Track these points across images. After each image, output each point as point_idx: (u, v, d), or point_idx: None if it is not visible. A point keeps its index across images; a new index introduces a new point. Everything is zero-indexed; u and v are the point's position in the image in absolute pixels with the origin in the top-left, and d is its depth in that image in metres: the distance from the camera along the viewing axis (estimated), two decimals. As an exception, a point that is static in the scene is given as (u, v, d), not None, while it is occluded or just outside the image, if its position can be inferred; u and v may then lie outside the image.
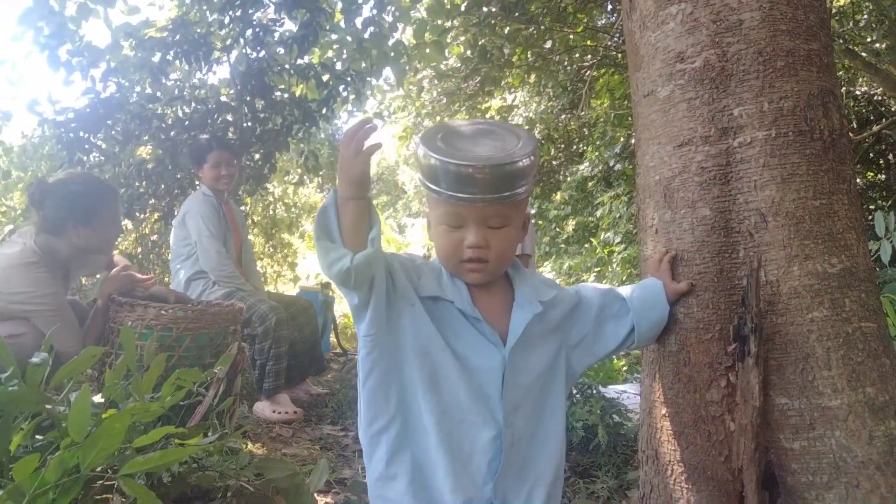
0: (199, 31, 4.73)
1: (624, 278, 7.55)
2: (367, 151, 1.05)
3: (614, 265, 8.02)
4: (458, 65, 6.37)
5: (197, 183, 4.19)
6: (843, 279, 1.22)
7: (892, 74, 4.85)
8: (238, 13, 4.63)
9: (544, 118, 8.80)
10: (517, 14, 5.17)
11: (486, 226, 1.11)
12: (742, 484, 1.22)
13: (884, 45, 5.76)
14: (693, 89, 1.33)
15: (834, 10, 6.33)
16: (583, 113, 8.20)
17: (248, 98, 4.89)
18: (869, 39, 6.15)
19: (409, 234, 9.09)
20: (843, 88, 7.13)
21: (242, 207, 5.84)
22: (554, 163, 9.95)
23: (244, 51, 4.85)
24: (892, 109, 6.94)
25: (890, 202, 7.21)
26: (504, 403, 1.12)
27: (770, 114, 1.27)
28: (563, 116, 9.02)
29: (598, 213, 8.41)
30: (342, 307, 6.87)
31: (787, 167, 1.26)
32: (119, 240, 7.05)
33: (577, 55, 7.05)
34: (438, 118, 7.52)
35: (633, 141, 7.63)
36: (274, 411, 3.19)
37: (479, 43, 5.74)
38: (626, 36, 1.51)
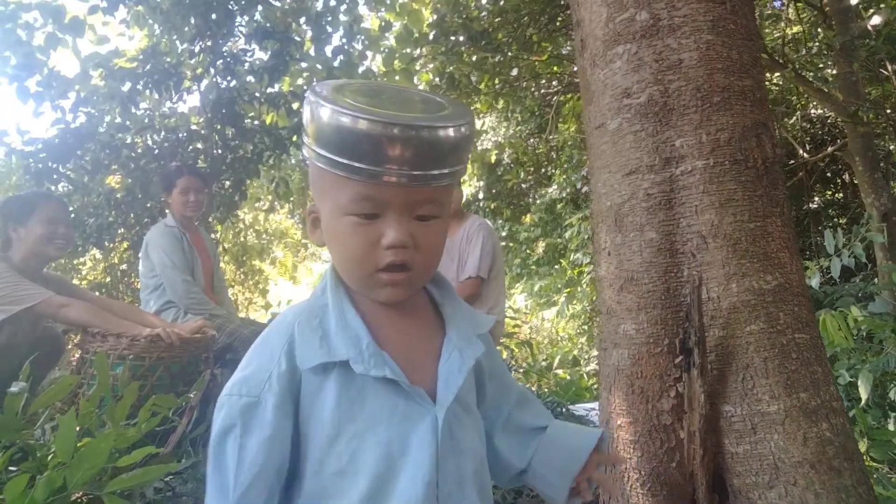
0: (169, 60, 4.79)
1: (594, 298, 7.69)
2: None
3: (584, 285, 8.17)
4: (427, 92, 6.51)
5: (167, 211, 4.22)
6: (777, 294, 1.34)
7: (839, 100, 5.10)
8: (209, 43, 4.71)
9: (513, 142, 8.99)
10: (484, 43, 5.33)
11: (412, 216, 0.79)
12: (694, 487, 1.31)
13: (832, 72, 6.05)
14: (639, 122, 1.44)
15: (788, 38, 6.65)
16: (551, 137, 8.41)
17: (219, 126, 4.95)
18: (820, 65, 6.46)
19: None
20: (799, 112, 7.45)
21: (213, 235, 5.85)
22: (523, 186, 10.13)
23: (214, 80, 4.92)
24: (844, 131, 7.26)
25: (846, 219, 7.51)
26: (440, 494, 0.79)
27: (708, 144, 1.39)
28: (532, 140, 9.23)
29: (567, 235, 8.58)
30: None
31: (725, 193, 1.37)
32: (88, 268, 6.96)
33: (544, 81, 7.25)
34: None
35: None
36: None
37: (447, 70, 5.89)
38: (579, 72, 1.63)
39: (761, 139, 1.42)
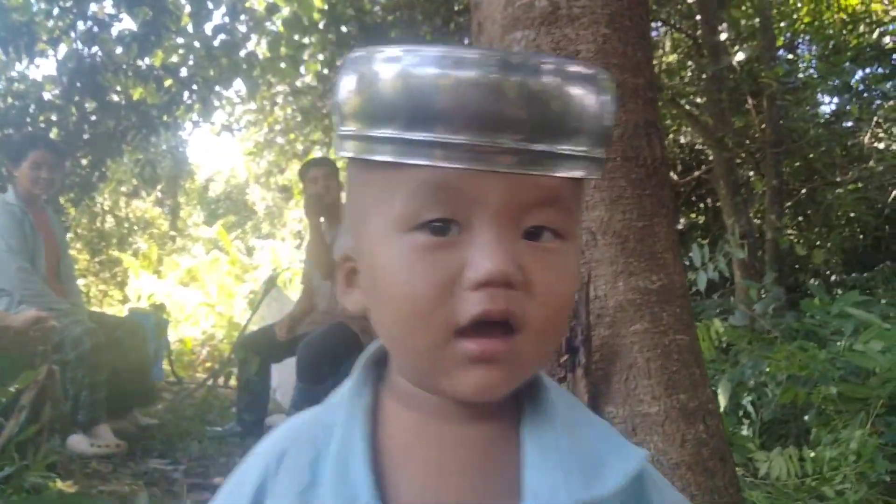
0: (19, 18, 4.24)
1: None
2: None
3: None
4: (315, 83, 6.28)
5: (10, 186, 3.72)
6: (661, 295, 1.33)
7: (709, 125, 5.49)
8: (69, 3, 4.22)
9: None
10: (376, 36, 5.21)
11: (519, 229, 0.46)
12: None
13: (703, 100, 6.52)
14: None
15: (664, 66, 7.10)
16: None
17: (77, 98, 4.46)
18: (691, 94, 6.95)
19: (258, 257, 8.71)
20: (671, 136, 7.98)
21: (65, 218, 5.27)
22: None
23: (75, 45, 4.42)
24: (710, 158, 7.84)
25: (708, 240, 8.13)
26: None
27: (601, 139, 1.36)
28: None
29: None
30: (178, 331, 6.38)
31: (615, 190, 1.35)
32: None
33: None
34: (293, 135, 7.33)
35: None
36: (91, 444, 2.86)
37: (337, 62, 5.71)
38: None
39: (651, 138, 1.42)
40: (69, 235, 5.51)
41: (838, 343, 2.79)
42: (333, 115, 0.50)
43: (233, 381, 4.62)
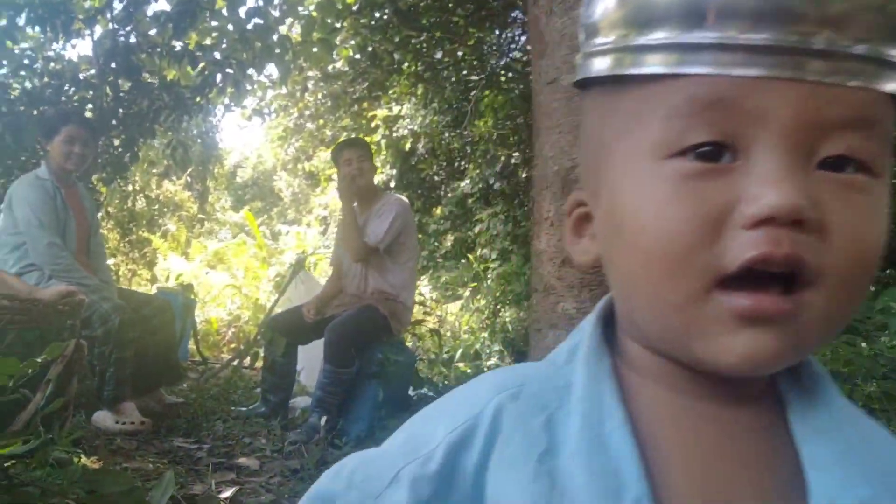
0: (57, -5, 4.25)
1: (497, 294, 7.70)
2: None
3: (489, 281, 8.17)
4: (346, 68, 6.23)
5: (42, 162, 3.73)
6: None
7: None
8: (105, -19, 4.22)
9: (428, 132, 8.86)
10: (411, 20, 5.14)
11: (814, 159, 0.35)
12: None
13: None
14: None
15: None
16: (466, 132, 8.34)
17: (112, 78, 4.45)
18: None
19: (284, 242, 8.73)
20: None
21: (98, 197, 5.30)
22: (436, 178, 10.04)
23: (111, 25, 4.42)
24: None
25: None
26: None
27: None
28: (447, 133, 9.14)
29: (477, 230, 8.57)
30: (205, 312, 6.42)
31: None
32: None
33: (465, 72, 7.16)
34: (322, 121, 7.30)
35: (513, 161, 7.84)
36: (116, 421, 2.86)
37: (370, 48, 5.65)
38: (530, 23, 1.48)
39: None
40: (100, 214, 5.56)
41: (882, 339, 2.69)
42: (579, 33, 0.42)
43: (258, 363, 4.62)
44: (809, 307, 0.35)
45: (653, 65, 0.36)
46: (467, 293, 8.50)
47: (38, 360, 1.51)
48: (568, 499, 0.36)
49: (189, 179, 10.10)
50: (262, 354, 3.73)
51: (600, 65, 0.40)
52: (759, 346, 0.34)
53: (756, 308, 0.34)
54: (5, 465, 1.59)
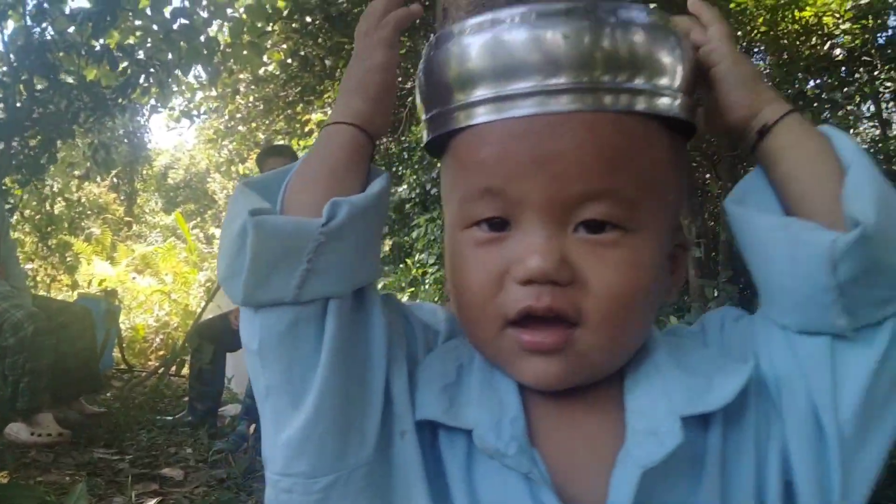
0: (-36, -10, 4.06)
1: (436, 298, 7.78)
2: (395, 24, 0.53)
3: (426, 285, 8.24)
4: (278, 72, 6.17)
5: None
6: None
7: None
8: (18, -24, 4.06)
9: (365, 137, 8.85)
10: (341, 27, 5.15)
11: (571, 222, 0.46)
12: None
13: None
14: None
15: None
16: (403, 137, 8.38)
17: (26, 76, 4.27)
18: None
19: (217, 245, 8.53)
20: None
21: (13, 200, 5.07)
22: (372, 182, 10.03)
23: (24, 21, 4.25)
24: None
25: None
26: None
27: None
28: (384, 139, 9.16)
29: (414, 235, 8.62)
30: (131, 318, 6.22)
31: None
32: None
33: (400, 79, 7.21)
34: (254, 124, 7.20)
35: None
36: (32, 433, 2.78)
37: (301, 52, 5.62)
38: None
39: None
40: (14, 217, 5.31)
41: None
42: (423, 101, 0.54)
43: (186, 370, 4.53)
44: (579, 341, 0.46)
45: (458, 123, 0.49)
46: (405, 298, 8.54)
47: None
48: (462, 415, 0.48)
49: (116, 181, 9.75)
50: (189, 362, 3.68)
51: (428, 133, 0.53)
52: (543, 370, 0.47)
53: (533, 342, 0.46)
54: None
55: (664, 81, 0.46)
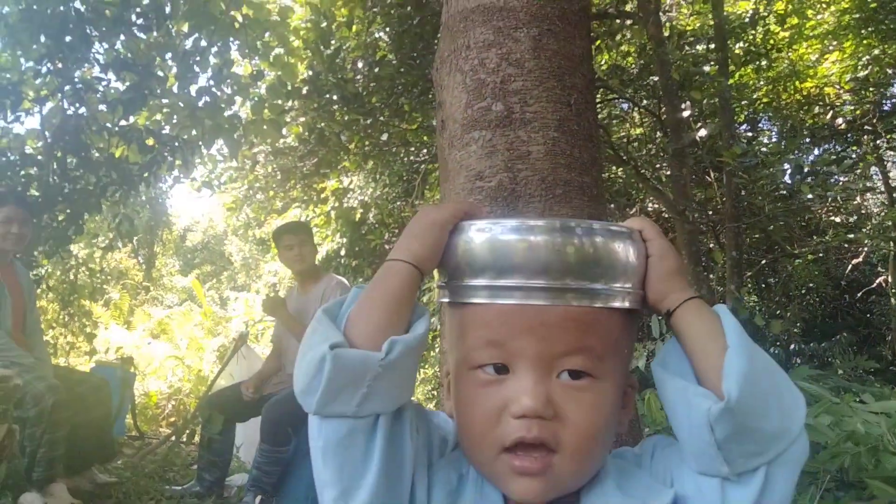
0: (9, 77, 4.36)
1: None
2: (456, 214, 0.69)
3: (436, 350, 8.27)
4: (296, 144, 6.44)
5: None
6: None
7: (671, 198, 5.72)
8: (59, 66, 4.35)
9: (379, 203, 9.08)
10: (356, 105, 5.41)
11: (555, 371, 0.62)
12: None
13: (667, 173, 6.81)
14: (489, 205, 1.51)
15: (632, 138, 7.42)
16: (417, 202, 8.59)
17: (59, 154, 4.52)
18: (657, 165, 7.25)
19: (232, 308, 8.67)
20: (638, 205, 8.24)
21: (39, 270, 5.26)
22: (387, 246, 10.20)
23: (61, 104, 4.52)
24: (675, 227, 8.13)
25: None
26: None
27: (549, 232, 1.49)
28: (398, 203, 9.38)
29: (425, 299, 8.70)
30: (145, 384, 6.30)
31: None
32: None
33: (413, 149, 7.46)
34: (272, 192, 7.45)
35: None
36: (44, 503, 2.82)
37: (318, 126, 5.88)
38: (438, 150, 1.69)
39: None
40: (41, 287, 5.48)
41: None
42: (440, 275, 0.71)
43: (196, 438, 4.57)
44: (557, 465, 0.61)
45: (465, 294, 0.66)
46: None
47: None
48: None
49: (135, 246, 9.99)
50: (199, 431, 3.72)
51: (442, 296, 0.70)
52: (528, 488, 0.61)
53: (522, 467, 0.61)
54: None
55: (618, 284, 0.64)
